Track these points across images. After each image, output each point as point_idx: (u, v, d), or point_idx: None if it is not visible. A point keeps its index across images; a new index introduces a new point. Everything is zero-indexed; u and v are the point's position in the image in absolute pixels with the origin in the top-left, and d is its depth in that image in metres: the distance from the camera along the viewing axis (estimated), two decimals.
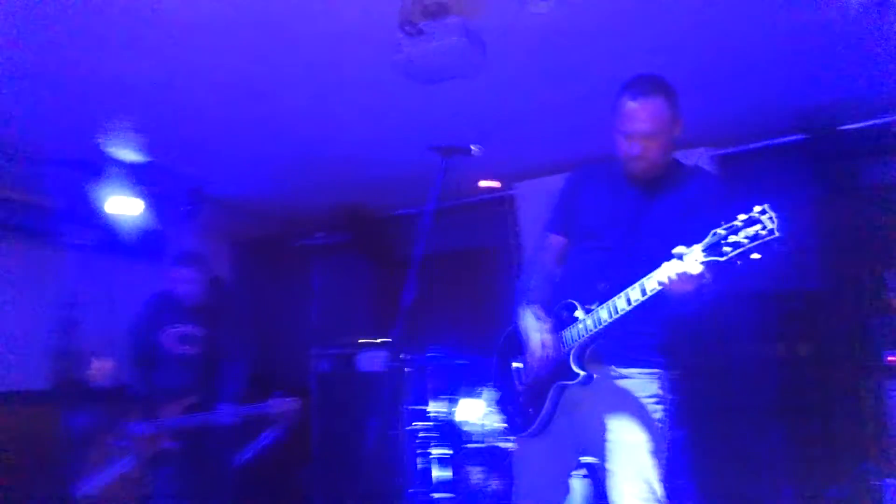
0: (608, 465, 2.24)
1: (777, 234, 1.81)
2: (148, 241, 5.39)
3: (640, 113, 2.20)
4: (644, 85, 2.24)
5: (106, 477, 3.92)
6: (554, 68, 3.92)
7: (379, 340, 5.61)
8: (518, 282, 2.54)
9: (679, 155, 4.80)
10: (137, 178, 5.18)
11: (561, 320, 2.30)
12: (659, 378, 2.28)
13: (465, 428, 4.41)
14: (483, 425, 4.34)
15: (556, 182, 4.93)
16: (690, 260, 1.90)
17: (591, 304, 2.20)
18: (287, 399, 3.89)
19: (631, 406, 2.22)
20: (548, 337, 2.28)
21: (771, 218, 1.83)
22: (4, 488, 4.03)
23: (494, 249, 6.02)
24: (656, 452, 2.18)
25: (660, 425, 2.22)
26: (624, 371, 2.28)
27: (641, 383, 2.26)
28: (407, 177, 5.31)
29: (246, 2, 3.17)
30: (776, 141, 5.02)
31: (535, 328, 2.34)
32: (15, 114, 4.17)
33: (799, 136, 4.82)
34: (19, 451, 4.14)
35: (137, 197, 5.22)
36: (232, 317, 4.17)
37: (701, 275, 1.90)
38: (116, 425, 3.93)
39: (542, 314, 2.36)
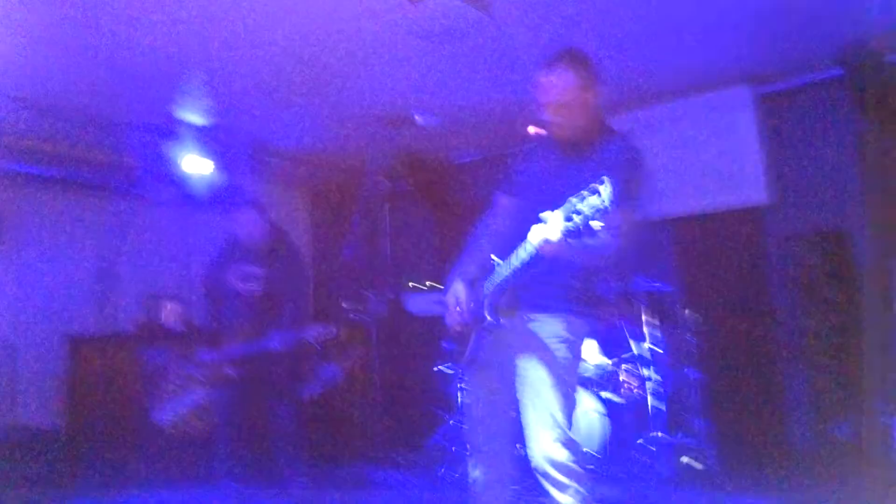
0: (520, 398, 2.53)
1: (608, 205, 2.03)
2: (219, 194, 5.87)
3: (546, 84, 2.51)
4: (552, 59, 2.53)
5: (181, 407, 4.55)
6: None
7: (428, 284, 5.97)
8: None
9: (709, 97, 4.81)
10: (207, 138, 5.72)
11: (486, 272, 2.60)
12: (564, 321, 2.52)
13: None
14: None
15: (654, 114, 5.07)
16: (552, 226, 2.14)
17: (505, 258, 2.49)
18: (324, 327, 4.24)
19: (536, 346, 2.50)
20: (461, 288, 2.62)
21: (609, 190, 2.04)
22: (96, 421, 4.76)
23: None
24: (558, 386, 2.44)
25: (563, 363, 2.48)
26: (532, 315, 2.55)
27: (547, 326, 2.52)
28: (464, 125, 5.54)
29: None
30: (818, 75, 4.88)
31: (454, 281, 2.68)
32: (101, 87, 4.77)
33: (839, 70, 4.67)
34: (108, 387, 4.83)
35: (208, 155, 5.78)
36: (289, 259, 4.55)
37: (562, 240, 2.13)
38: (188, 358, 4.51)
39: (464, 268, 2.69)
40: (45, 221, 5.72)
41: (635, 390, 4.42)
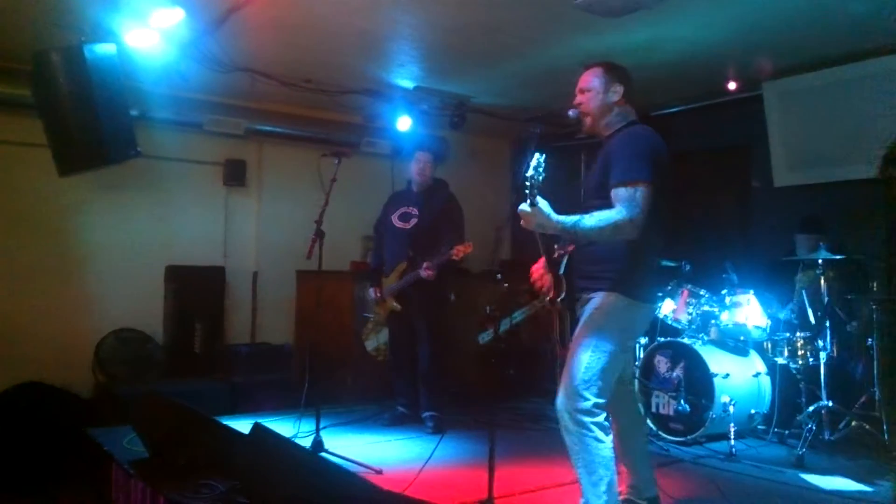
0: None
1: (535, 172, 2.59)
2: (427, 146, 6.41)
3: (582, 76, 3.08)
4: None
5: (379, 337, 5.30)
6: None
7: None
8: None
9: None
10: (415, 99, 6.36)
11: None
12: (598, 297, 2.92)
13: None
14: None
15: (807, 80, 5.03)
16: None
17: None
18: (461, 246, 4.65)
19: (583, 317, 2.96)
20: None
21: (535, 162, 2.58)
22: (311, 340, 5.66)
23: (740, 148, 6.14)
24: (584, 347, 2.84)
25: (591, 330, 2.87)
26: (583, 295, 3.02)
27: (590, 302, 2.95)
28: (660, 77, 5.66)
29: None
30: None
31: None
32: (328, 61, 5.53)
33: None
34: (325, 312, 5.69)
35: (418, 113, 6.43)
36: (447, 206, 5.05)
37: (528, 212, 2.62)
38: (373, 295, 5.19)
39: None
40: (281, 170, 6.75)
41: (810, 358, 4.44)
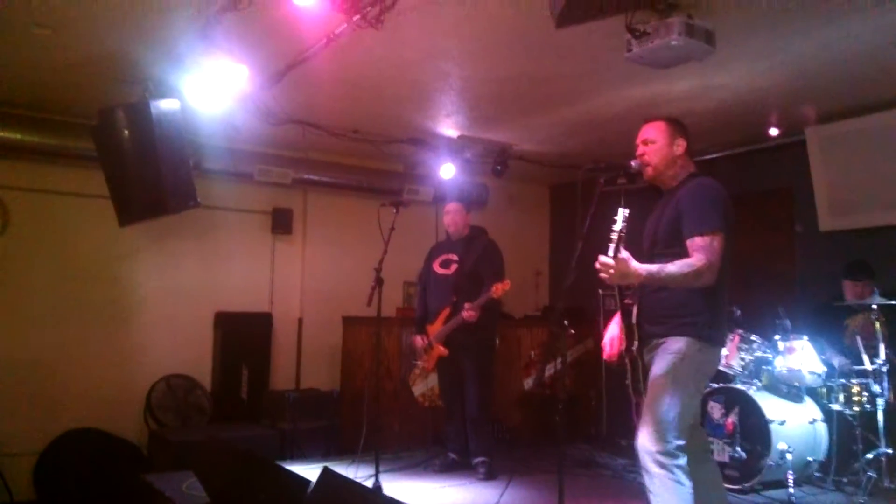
0: None
1: (622, 225, 2.70)
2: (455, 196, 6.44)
3: (644, 129, 3.22)
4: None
5: (427, 382, 5.34)
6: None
7: None
8: None
9: None
10: (458, 147, 6.48)
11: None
12: (671, 342, 2.97)
13: None
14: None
15: (851, 126, 5.08)
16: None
17: None
18: (499, 283, 4.72)
19: (655, 361, 3.01)
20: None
21: (622, 217, 2.71)
22: (358, 386, 5.70)
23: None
24: (663, 391, 2.90)
25: (668, 374, 2.91)
26: (654, 340, 3.07)
27: (662, 346, 3.01)
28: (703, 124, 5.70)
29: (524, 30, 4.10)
30: None
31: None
32: (376, 111, 5.67)
33: None
34: (372, 358, 5.73)
35: (460, 161, 6.54)
36: (483, 245, 5.15)
37: (611, 263, 2.66)
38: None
39: None
40: (325, 218, 6.88)
41: (866, 405, 4.40)
